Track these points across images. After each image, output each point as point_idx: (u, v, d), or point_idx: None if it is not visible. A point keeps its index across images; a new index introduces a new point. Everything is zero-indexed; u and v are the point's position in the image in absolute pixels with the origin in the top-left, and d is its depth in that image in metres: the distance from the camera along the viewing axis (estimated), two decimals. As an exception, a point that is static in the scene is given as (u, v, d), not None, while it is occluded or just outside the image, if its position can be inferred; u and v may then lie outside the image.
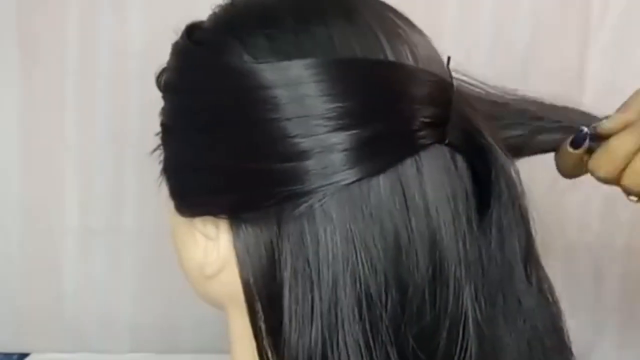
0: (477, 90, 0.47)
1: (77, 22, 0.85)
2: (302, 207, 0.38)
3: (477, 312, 0.40)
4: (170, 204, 0.46)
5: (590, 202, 0.92)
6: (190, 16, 0.46)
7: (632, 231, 0.93)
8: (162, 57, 0.46)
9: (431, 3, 0.87)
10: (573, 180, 0.88)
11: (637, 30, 0.88)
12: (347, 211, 0.38)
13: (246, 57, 0.40)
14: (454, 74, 0.43)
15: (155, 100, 0.46)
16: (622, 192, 0.49)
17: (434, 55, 0.43)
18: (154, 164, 0.47)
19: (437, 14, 0.87)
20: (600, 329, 0.97)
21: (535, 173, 0.82)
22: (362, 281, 0.38)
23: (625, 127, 0.47)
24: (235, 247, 0.41)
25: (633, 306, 0.97)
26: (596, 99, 0.84)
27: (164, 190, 0.46)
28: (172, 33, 0.45)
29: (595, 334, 0.97)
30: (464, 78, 0.46)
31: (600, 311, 0.97)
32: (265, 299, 0.40)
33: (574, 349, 0.46)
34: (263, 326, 0.40)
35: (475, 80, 0.47)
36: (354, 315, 0.38)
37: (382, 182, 0.39)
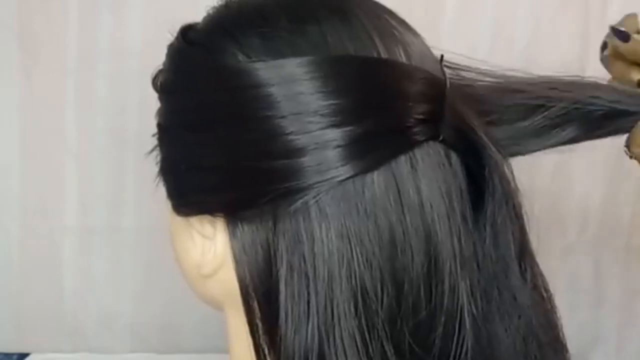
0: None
1: (77, 22, 0.86)
2: (298, 204, 0.38)
3: (473, 307, 0.40)
4: (168, 204, 0.46)
5: (590, 201, 0.92)
6: (190, 16, 0.46)
7: (632, 231, 0.93)
8: (161, 56, 0.46)
9: (431, 2, 0.87)
10: (572, 180, 0.88)
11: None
12: (341, 207, 0.38)
13: (240, 57, 0.40)
14: (462, 71, 0.44)
15: (155, 100, 0.46)
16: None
17: (428, 54, 0.43)
18: (154, 163, 0.47)
19: (437, 14, 0.87)
20: (600, 329, 0.97)
21: (536, 173, 0.82)
22: (358, 277, 0.38)
23: None
24: (232, 246, 0.41)
25: (633, 306, 0.97)
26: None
27: (163, 190, 0.46)
28: (171, 33, 0.46)
29: (595, 334, 0.97)
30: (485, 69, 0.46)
31: (600, 311, 0.97)
32: (261, 296, 0.40)
33: (574, 349, 0.46)
34: (259, 323, 0.41)
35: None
36: (349, 311, 0.38)
37: (377, 179, 0.39)
